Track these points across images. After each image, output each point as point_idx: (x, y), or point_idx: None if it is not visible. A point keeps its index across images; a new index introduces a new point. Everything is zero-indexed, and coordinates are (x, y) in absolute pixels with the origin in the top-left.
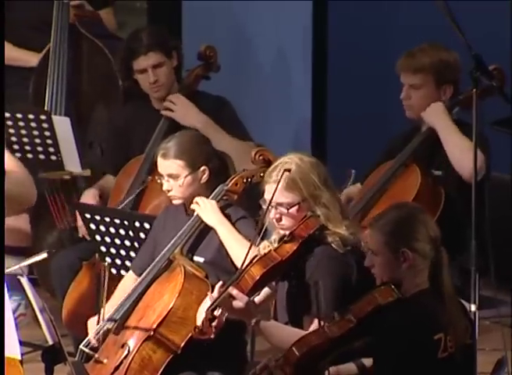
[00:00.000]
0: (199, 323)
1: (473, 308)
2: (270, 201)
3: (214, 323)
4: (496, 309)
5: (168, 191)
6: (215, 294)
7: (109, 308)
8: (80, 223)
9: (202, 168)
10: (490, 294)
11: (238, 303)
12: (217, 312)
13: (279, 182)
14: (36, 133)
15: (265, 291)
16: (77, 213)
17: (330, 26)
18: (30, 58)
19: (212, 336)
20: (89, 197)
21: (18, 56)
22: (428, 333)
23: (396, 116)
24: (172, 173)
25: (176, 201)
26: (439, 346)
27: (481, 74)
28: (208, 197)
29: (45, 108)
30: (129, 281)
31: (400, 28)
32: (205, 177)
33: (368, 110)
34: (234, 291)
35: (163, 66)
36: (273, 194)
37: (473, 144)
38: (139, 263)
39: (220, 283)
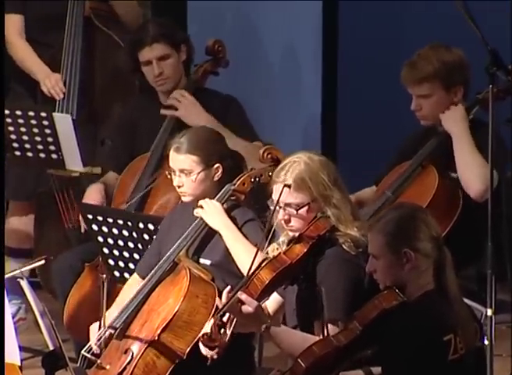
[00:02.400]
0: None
1: (489, 312)
2: (277, 202)
3: (223, 330)
4: None
5: (179, 186)
6: (224, 299)
7: (114, 310)
8: None
9: (216, 165)
10: (507, 298)
11: (247, 308)
12: (226, 318)
13: (281, 191)
14: (36, 130)
15: (277, 300)
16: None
17: (340, 24)
18: (38, 73)
19: (222, 343)
20: (94, 191)
21: (28, 67)
22: (437, 335)
23: (408, 114)
24: (185, 169)
25: (185, 199)
26: (450, 347)
27: (498, 70)
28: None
29: (57, 104)
30: (133, 284)
31: (411, 26)
32: (218, 175)
33: (378, 107)
34: (243, 296)
35: (169, 59)
36: (280, 194)
37: (485, 161)
38: (144, 266)
39: (228, 288)
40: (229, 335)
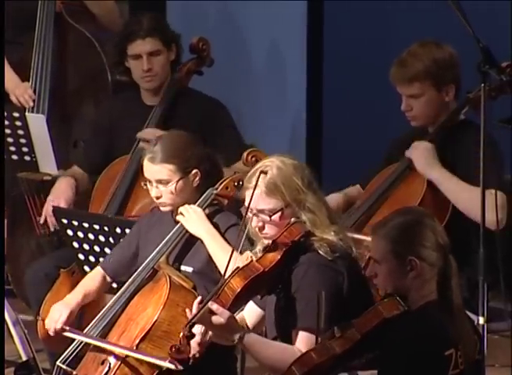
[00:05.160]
0: None
1: (481, 320)
2: (248, 208)
3: (192, 341)
4: (506, 322)
5: (158, 197)
6: (194, 310)
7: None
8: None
9: (194, 171)
10: (500, 305)
11: (218, 319)
12: (196, 330)
13: (255, 186)
14: (8, 131)
15: (258, 313)
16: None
17: (326, 23)
18: (6, 82)
19: (191, 356)
20: (65, 185)
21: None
22: (438, 349)
23: (395, 114)
24: (162, 179)
25: (165, 209)
26: (450, 363)
27: (490, 68)
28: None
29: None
30: (94, 278)
31: (397, 25)
32: (197, 181)
33: (364, 108)
34: (214, 306)
35: (160, 55)
36: (250, 200)
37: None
38: (112, 264)
39: (199, 298)
40: (202, 347)
